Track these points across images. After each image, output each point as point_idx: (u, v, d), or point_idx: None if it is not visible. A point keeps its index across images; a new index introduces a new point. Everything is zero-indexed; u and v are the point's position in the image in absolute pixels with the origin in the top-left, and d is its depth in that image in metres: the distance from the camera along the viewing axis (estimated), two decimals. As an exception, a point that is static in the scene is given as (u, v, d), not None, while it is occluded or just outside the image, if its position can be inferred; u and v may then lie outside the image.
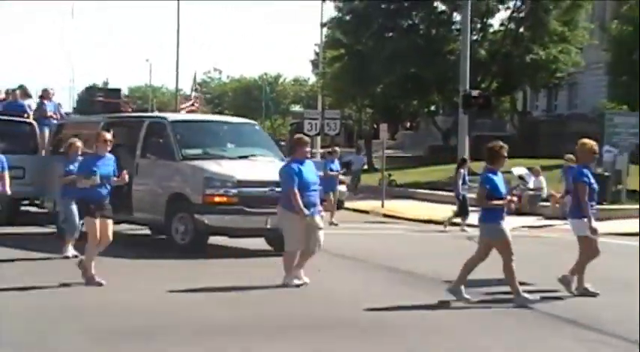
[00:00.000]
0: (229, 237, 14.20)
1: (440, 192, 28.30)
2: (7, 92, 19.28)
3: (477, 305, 9.87)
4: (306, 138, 11.39)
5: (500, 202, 10.03)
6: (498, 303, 10.00)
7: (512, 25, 41.44)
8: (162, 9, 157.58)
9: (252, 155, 14.92)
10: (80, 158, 12.63)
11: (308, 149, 11.23)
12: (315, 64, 61.80)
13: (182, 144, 14.18)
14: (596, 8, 45.20)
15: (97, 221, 10.34)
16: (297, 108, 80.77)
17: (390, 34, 41.95)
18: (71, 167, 12.60)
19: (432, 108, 47.41)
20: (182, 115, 16.32)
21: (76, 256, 12.12)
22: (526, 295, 9.86)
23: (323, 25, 45.82)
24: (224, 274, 11.84)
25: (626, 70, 29.96)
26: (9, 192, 13.37)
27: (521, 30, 41.00)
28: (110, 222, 10.64)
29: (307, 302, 10.03)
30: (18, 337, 7.93)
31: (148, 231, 16.36)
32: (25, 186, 16.84)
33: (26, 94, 20.24)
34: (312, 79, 75.55)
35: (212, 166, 13.71)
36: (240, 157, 14.63)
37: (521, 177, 24.69)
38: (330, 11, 44.30)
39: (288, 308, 9.65)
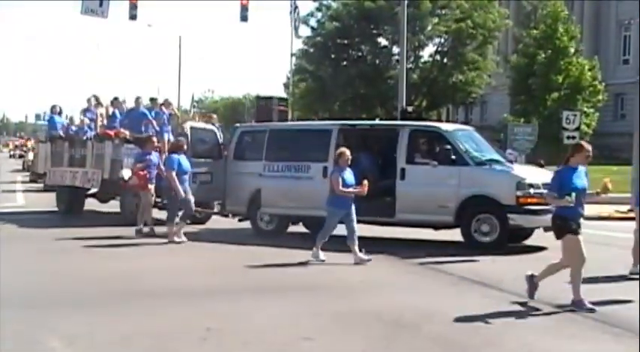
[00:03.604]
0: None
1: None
2: (136, 100, 15.41)
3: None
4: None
5: None
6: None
7: (438, 57, 41.93)
8: (168, 45, 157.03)
9: (505, 159, 12.72)
10: (348, 168, 10.16)
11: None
12: (286, 85, 61.67)
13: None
14: (501, 44, 45.88)
15: (580, 238, 7.47)
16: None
17: (344, 63, 42.24)
18: (343, 175, 10.05)
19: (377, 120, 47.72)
20: (449, 125, 13.05)
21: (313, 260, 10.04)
22: None
23: (292, 55, 45.94)
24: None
25: (522, 92, 30.54)
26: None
27: (445, 60, 41.51)
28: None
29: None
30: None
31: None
32: (212, 191, 13.74)
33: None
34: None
35: (517, 171, 11.93)
36: (499, 161, 12.44)
37: None
38: (299, 45, 44.54)
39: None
